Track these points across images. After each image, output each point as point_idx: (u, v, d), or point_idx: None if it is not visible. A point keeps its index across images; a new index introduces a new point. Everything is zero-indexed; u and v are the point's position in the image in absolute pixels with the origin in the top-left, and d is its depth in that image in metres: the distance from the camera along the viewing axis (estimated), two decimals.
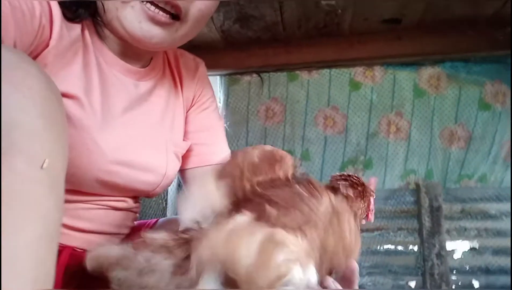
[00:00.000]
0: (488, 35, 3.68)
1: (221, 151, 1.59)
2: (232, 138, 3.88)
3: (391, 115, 4.05)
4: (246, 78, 4.08)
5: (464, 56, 3.94)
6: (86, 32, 1.10)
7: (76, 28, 1.07)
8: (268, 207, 0.69)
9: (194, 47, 1.69)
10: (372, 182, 1.27)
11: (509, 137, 4.05)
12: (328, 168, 4.01)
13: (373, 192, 1.20)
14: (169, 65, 1.43)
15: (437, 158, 4.07)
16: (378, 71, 4.02)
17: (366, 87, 4.03)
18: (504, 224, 3.99)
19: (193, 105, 1.58)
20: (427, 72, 4.05)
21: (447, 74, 4.04)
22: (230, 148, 1.96)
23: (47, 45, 0.98)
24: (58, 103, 0.78)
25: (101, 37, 1.14)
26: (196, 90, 1.60)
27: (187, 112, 1.56)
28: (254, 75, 4.07)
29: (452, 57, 3.97)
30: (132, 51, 1.21)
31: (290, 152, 4.04)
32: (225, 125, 4.00)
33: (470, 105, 4.01)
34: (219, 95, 4.09)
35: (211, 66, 2.56)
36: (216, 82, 4.08)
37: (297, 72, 4.03)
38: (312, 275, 0.67)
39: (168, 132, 1.39)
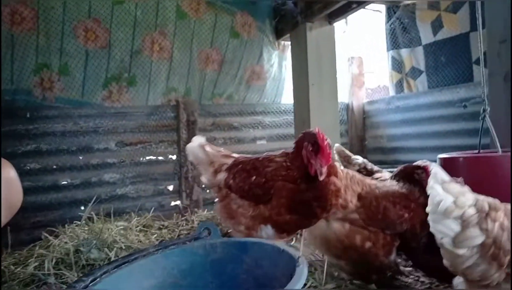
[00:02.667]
0: None
1: None
2: None
3: (155, 34, 4.18)
4: None
5: None
6: None
7: None
8: None
9: None
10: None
11: (252, 62, 4.88)
12: (91, 84, 3.90)
13: None
14: None
15: (194, 78, 4.55)
16: None
17: (130, 2, 3.95)
18: (243, 133, 4.98)
19: None
20: None
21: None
22: None
23: None
24: None
25: None
26: None
27: None
28: None
29: None
30: None
31: (46, 65, 3.70)
32: None
33: (223, 32, 4.55)
34: None
35: None
36: None
37: None
38: None
39: None
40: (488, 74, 2.65)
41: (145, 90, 4.25)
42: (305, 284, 1.83)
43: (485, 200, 1.18)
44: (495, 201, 1.19)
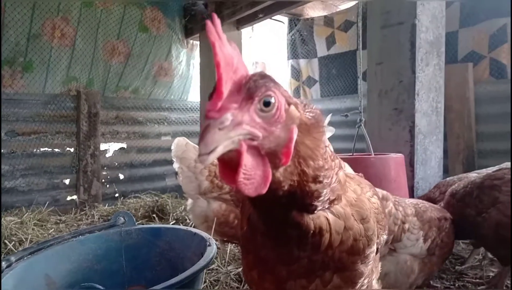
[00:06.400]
0: None
1: None
2: None
3: (57, 19, 3.94)
4: None
5: None
6: None
7: None
8: None
9: None
10: None
11: (160, 58, 4.89)
12: None
13: None
14: None
15: (98, 69, 4.40)
16: None
17: None
18: (148, 128, 4.97)
19: None
20: None
21: None
22: None
23: None
24: None
25: None
26: None
27: None
28: None
29: None
30: None
31: None
32: None
33: (132, 25, 4.49)
34: None
35: None
36: None
37: None
38: None
39: None
40: (367, 90, 3.16)
41: (43, 77, 3.99)
42: (211, 268, 2.02)
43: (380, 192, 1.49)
44: (387, 193, 1.52)
